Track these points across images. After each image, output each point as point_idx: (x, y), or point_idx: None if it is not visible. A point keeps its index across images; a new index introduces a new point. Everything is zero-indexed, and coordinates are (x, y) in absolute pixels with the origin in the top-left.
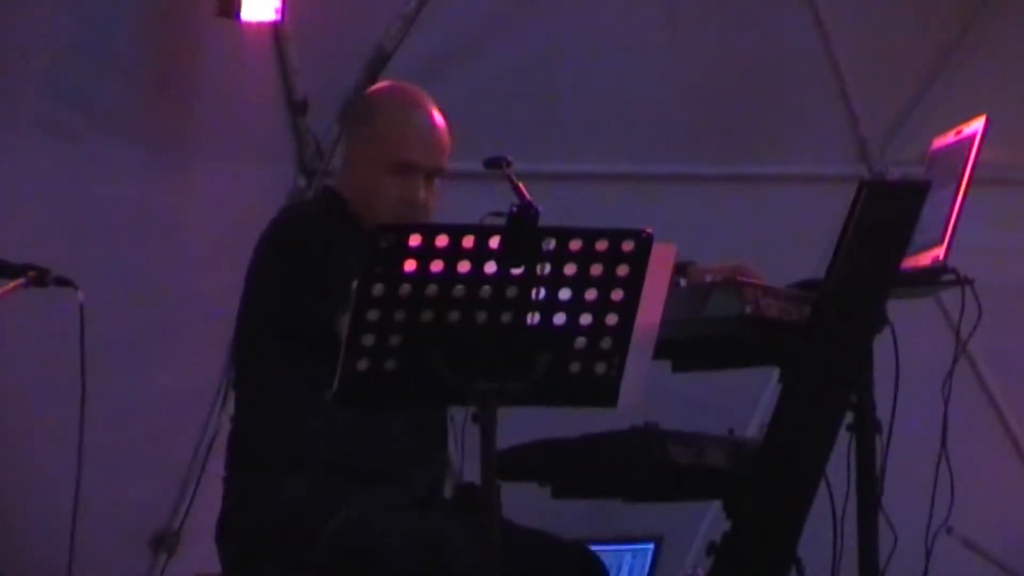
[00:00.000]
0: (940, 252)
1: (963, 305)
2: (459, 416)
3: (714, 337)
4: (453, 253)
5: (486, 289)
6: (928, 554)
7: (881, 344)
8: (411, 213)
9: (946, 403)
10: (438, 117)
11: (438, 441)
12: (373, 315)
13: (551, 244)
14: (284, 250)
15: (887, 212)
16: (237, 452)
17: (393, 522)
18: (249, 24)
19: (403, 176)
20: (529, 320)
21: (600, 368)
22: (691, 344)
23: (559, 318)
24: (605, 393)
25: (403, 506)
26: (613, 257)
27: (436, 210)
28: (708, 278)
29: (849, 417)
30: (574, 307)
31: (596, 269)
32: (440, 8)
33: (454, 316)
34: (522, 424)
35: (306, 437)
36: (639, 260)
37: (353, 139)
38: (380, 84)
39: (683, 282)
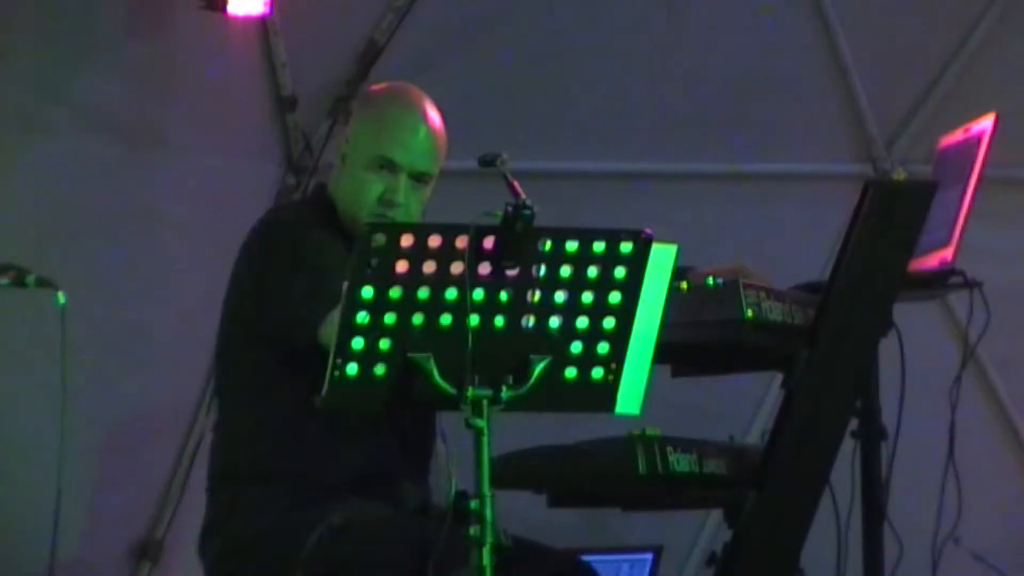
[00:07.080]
0: (948, 254)
1: (971, 309)
2: (451, 422)
3: (715, 341)
4: (446, 254)
5: (479, 291)
6: (935, 565)
7: (887, 348)
8: (387, 212)
9: (953, 409)
10: (432, 121)
11: (425, 452)
12: (362, 318)
13: (547, 245)
14: (264, 255)
15: (893, 213)
16: (219, 462)
17: (378, 530)
18: (236, 17)
19: (385, 174)
20: (524, 323)
21: (597, 373)
22: (691, 348)
23: (555, 321)
24: (602, 398)
25: (389, 515)
26: (611, 259)
27: (426, 211)
28: (709, 281)
29: (854, 423)
30: (570, 310)
31: (593, 271)
32: (433, 0)
33: (446, 319)
34: (517, 430)
35: (289, 447)
36: (638, 262)
37: (345, 133)
38: (383, 83)
39: (683, 285)
